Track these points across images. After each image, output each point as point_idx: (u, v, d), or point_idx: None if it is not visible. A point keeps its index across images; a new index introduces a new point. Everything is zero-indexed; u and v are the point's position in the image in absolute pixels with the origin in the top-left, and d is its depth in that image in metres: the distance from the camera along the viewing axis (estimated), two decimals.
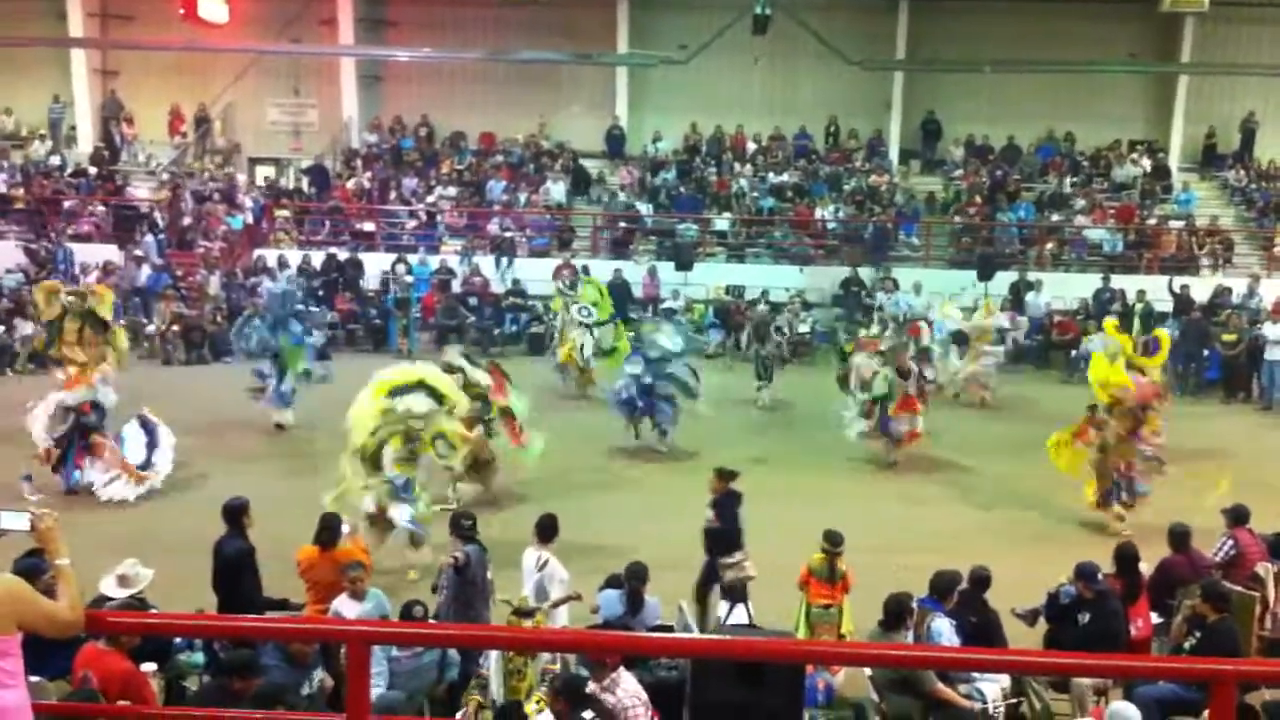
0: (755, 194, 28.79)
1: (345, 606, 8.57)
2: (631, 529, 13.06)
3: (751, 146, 30.66)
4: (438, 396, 12.01)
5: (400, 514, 11.54)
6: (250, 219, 27.72)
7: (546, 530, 9.61)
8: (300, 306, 19.11)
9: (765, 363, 20.17)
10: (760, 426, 18.72)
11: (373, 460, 11.78)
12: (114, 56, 31.10)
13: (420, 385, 12.00)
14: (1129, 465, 13.69)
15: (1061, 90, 29.92)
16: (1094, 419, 13.84)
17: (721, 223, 28.29)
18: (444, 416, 12.09)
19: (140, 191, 28.15)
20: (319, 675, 7.88)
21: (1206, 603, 8.58)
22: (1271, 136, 29.97)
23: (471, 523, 9.55)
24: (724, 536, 10.11)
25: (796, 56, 28.30)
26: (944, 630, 8.53)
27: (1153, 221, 28.07)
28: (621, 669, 7.25)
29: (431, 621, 8.40)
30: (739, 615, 9.28)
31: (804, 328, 24.22)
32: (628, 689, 7.18)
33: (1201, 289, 24.77)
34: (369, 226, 27.92)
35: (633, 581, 9.00)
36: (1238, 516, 10.59)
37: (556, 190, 28.70)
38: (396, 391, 11.88)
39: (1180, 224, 27.78)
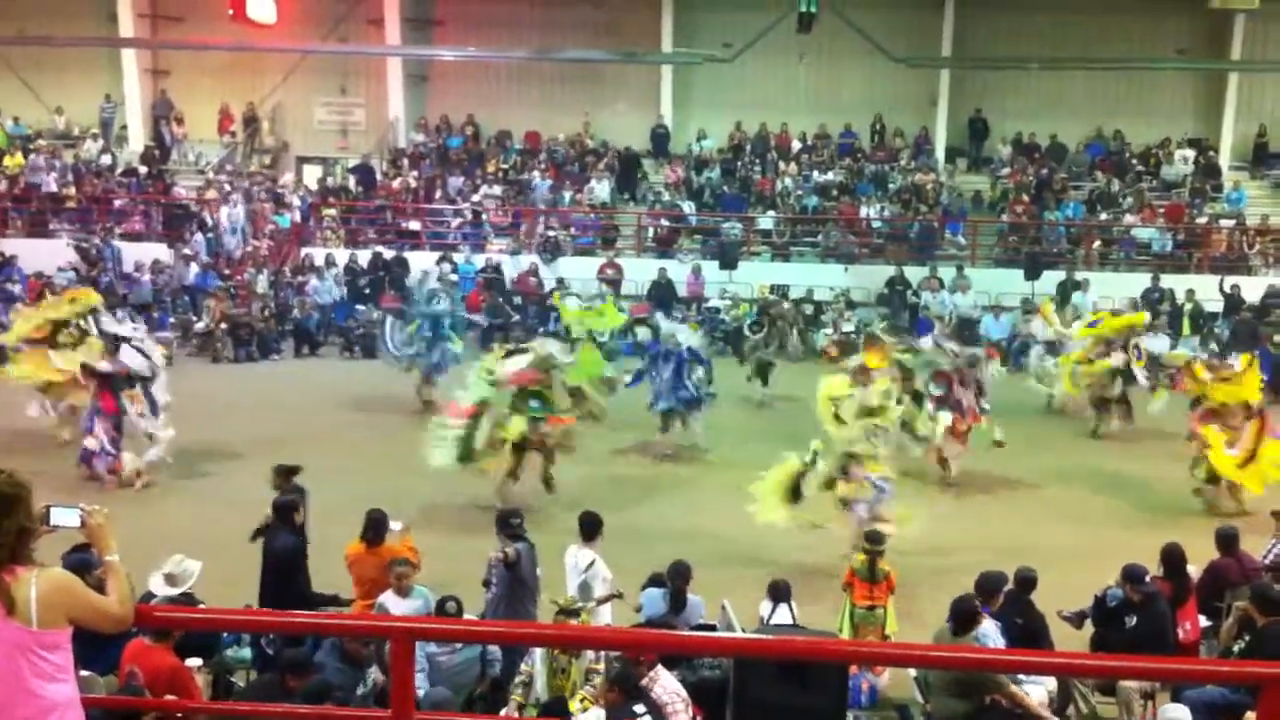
0: (800, 192, 28.72)
1: (391, 603, 8.63)
2: (675, 527, 13.09)
3: (796, 145, 30.56)
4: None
5: None
6: (298, 218, 27.98)
7: (591, 528, 9.64)
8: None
9: (763, 364, 20.13)
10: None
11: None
12: (164, 56, 31.45)
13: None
14: None
15: (1110, 88, 29.67)
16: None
17: (766, 221, 28.23)
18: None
19: (191, 191, 28.43)
20: (374, 674, 7.94)
21: (1255, 605, 8.48)
22: None
23: (520, 520, 9.60)
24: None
25: (842, 54, 28.18)
26: (990, 632, 8.47)
27: (1202, 220, 27.75)
28: (659, 667, 7.27)
29: (475, 618, 8.46)
30: (782, 615, 9.26)
31: (849, 326, 24.14)
32: (666, 686, 7.21)
33: (1252, 289, 24.49)
34: (415, 225, 28.09)
35: (676, 580, 9.02)
36: None
37: (601, 189, 28.74)
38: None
39: (1231, 223, 27.46)
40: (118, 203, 27.64)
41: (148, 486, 14.30)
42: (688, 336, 17.34)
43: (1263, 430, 14.21)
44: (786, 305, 23.52)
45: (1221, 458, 14.20)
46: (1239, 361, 15.44)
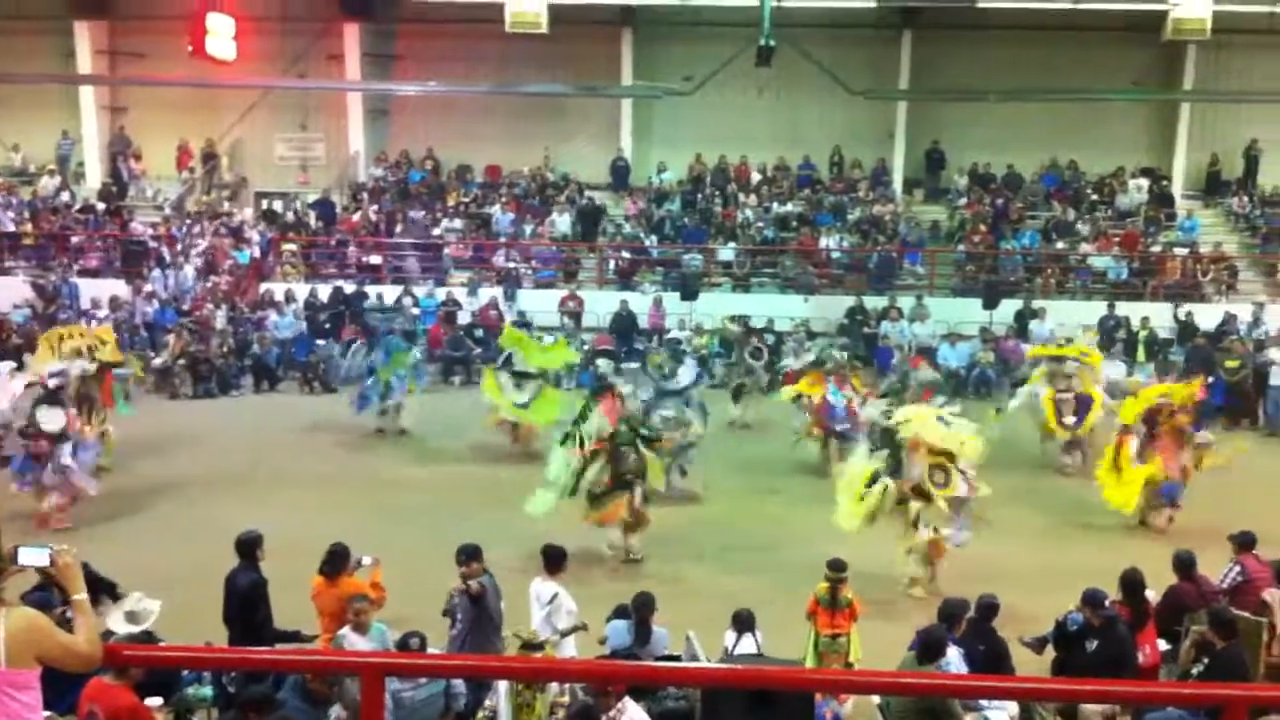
0: (760, 224, 28.89)
1: (350, 640, 8.58)
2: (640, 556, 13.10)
3: (756, 177, 30.77)
4: None
5: None
6: (257, 253, 27.86)
7: (554, 561, 9.63)
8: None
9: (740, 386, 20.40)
10: (765, 456, 18.66)
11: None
12: (122, 93, 31.36)
13: None
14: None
15: (1065, 118, 30.02)
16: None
17: (726, 253, 28.37)
18: None
19: (149, 227, 28.28)
20: (336, 712, 7.89)
21: (1214, 629, 8.60)
22: (1275, 163, 29.98)
23: (482, 553, 9.56)
24: None
25: (800, 87, 28.42)
26: (953, 659, 8.52)
27: (1157, 249, 28.11)
28: (627, 699, 7.26)
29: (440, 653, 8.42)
30: (747, 645, 9.27)
31: (809, 356, 24.20)
32: (634, 718, 7.19)
33: (1206, 316, 24.80)
34: (375, 259, 28.04)
35: (641, 611, 9.02)
36: (1244, 542, 10.60)
37: (562, 222, 28.81)
38: None
39: (1184, 251, 27.85)
40: (75, 239, 27.46)
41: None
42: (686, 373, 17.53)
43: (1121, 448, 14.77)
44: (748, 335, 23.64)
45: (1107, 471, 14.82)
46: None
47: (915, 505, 12.18)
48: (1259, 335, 23.66)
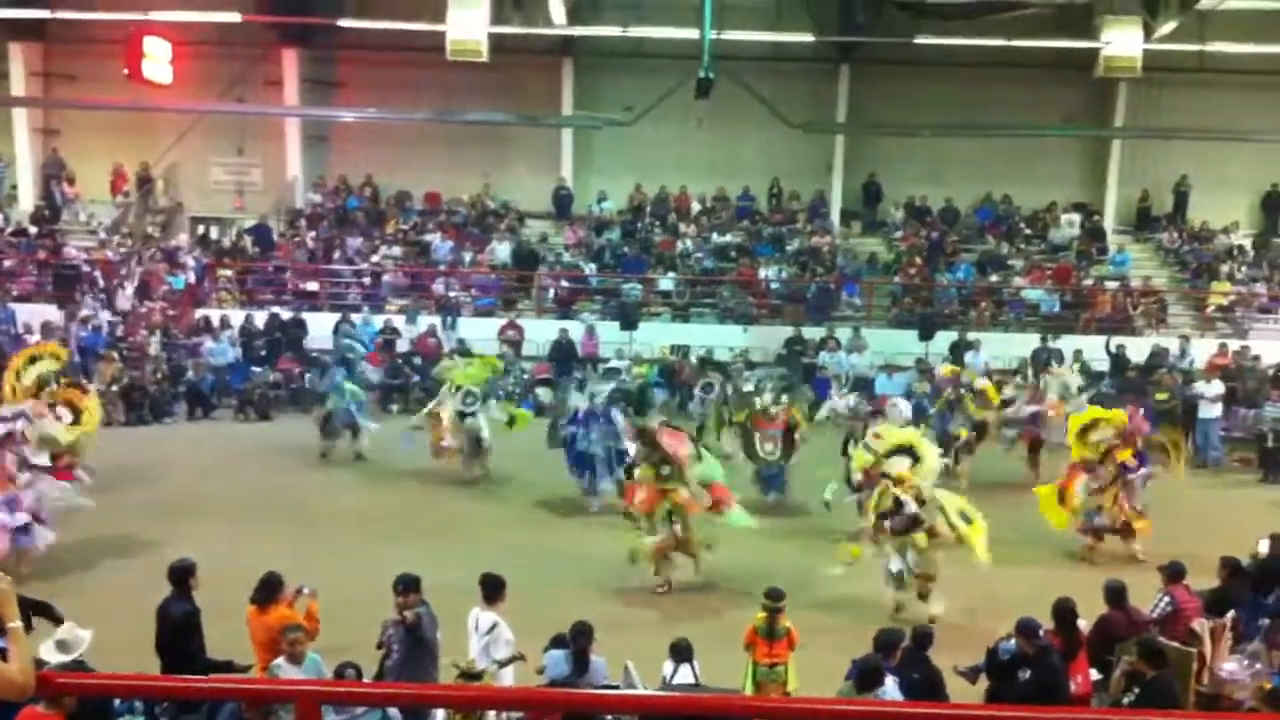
0: (699, 254, 29.04)
1: (284, 669, 8.49)
2: (574, 588, 13.06)
3: (696, 207, 30.93)
4: None
5: None
6: (192, 278, 27.55)
7: (492, 589, 9.57)
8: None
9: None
10: None
11: None
12: (57, 115, 30.92)
13: None
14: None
15: (999, 154, 30.44)
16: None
17: (666, 282, 28.46)
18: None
19: (82, 251, 27.90)
20: None
21: (1144, 659, 8.71)
22: (1203, 199, 30.62)
23: (419, 584, 9.48)
24: None
25: (740, 119, 28.62)
26: (889, 688, 8.58)
27: (1088, 282, 28.57)
28: None
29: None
30: (685, 675, 9.27)
31: (748, 386, 24.30)
32: None
33: (1137, 349, 25.22)
34: (313, 286, 27.83)
35: (578, 641, 8.98)
36: (1174, 573, 10.75)
37: (502, 250, 28.77)
38: None
39: (1115, 285, 28.33)
40: (7, 263, 27.02)
41: None
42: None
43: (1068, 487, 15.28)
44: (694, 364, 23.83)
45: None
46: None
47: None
48: (1185, 367, 24.11)
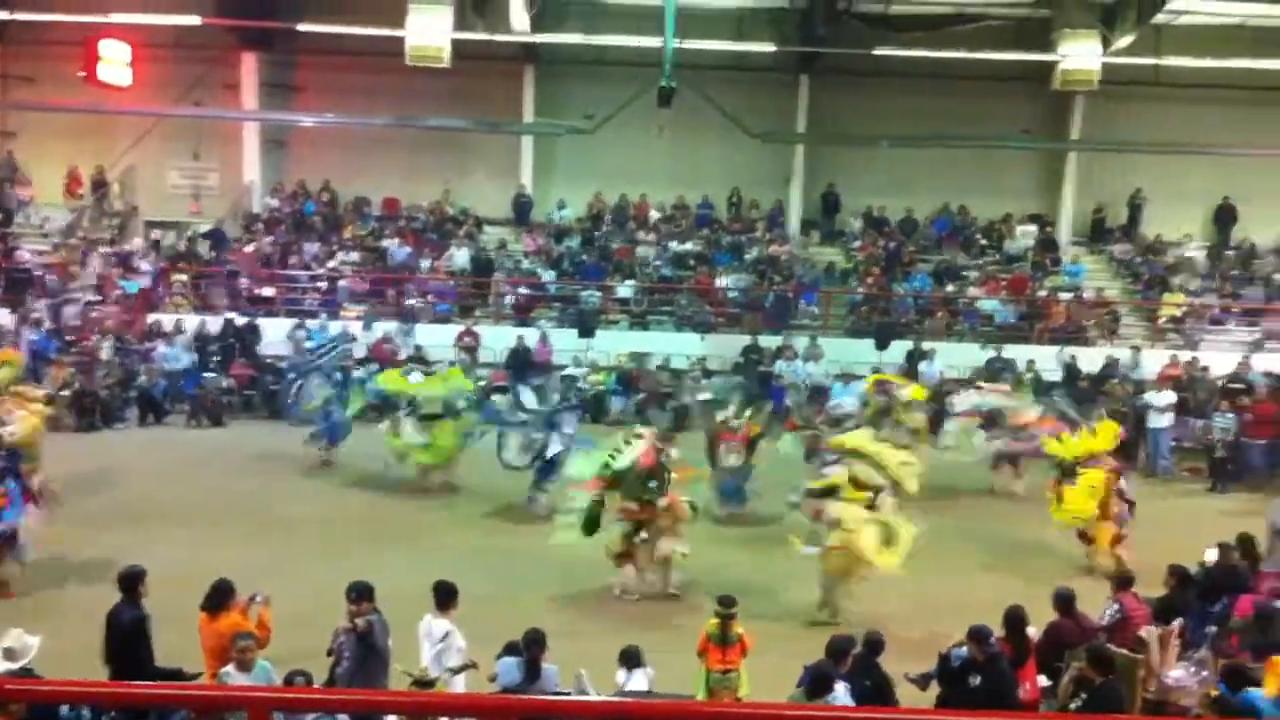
0: (658, 262, 29.09)
1: (233, 677, 8.44)
2: (525, 596, 13.05)
3: (655, 215, 30.96)
4: None
5: None
6: (146, 283, 27.31)
7: (445, 597, 9.55)
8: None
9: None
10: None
11: None
12: (13, 117, 30.63)
13: None
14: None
15: (956, 165, 30.63)
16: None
17: (625, 290, 28.49)
18: None
19: (35, 255, 27.61)
20: None
21: (1092, 666, 8.80)
22: (1157, 212, 30.96)
23: (372, 592, 9.44)
24: None
25: (700, 128, 28.68)
26: (840, 694, 8.63)
27: (1043, 293, 28.82)
28: None
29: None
30: (638, 681, 9.28)
31: (705, 395, 24.38)
32: None
33: (1090, 359, 25.45)
34: (269, 291, 27.66)
35: (531, 649, 8.97)
36: (1123, 581, 10.89)
37: (460, 256, 28.70)
38: None
39: (1069, 296, 28.59)
40: None
41: None
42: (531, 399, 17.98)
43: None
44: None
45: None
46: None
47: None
48: (1137, 378, 24.38)
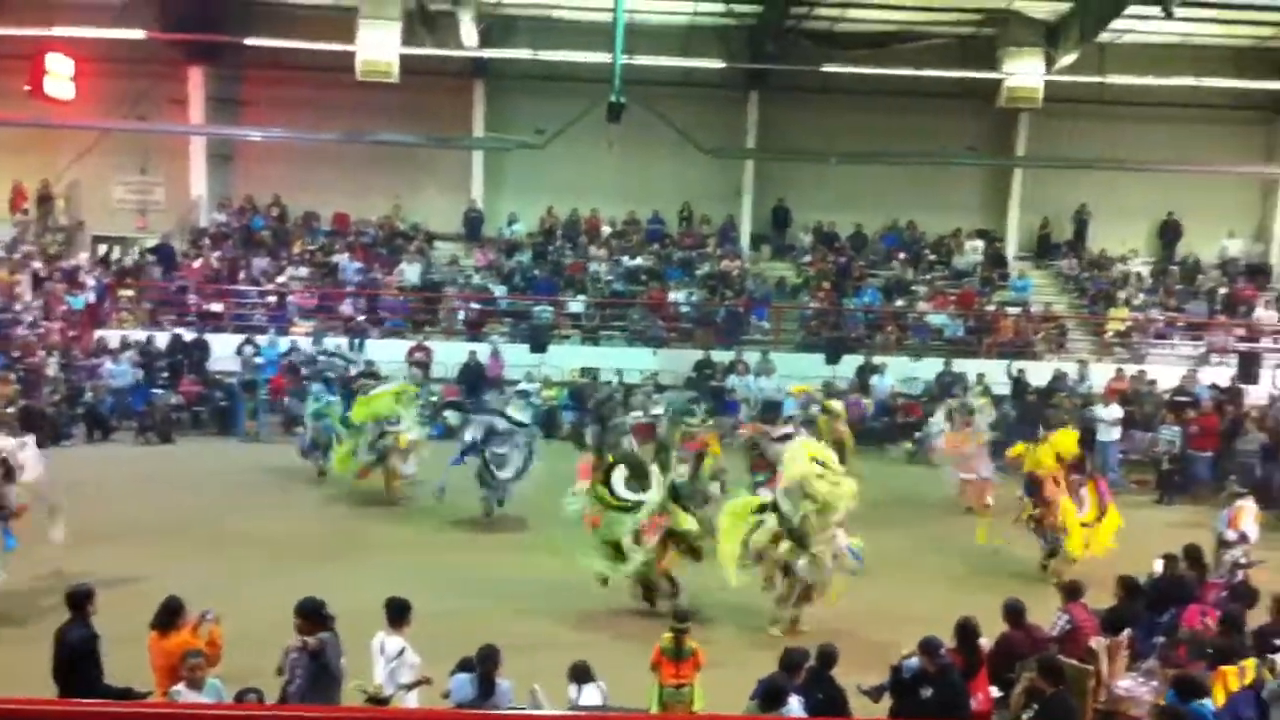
0: (610, 277, 29.11)
1: (183, 696, 8.33)
2: (479, 612, 12.99)
3: (606, 230, 31.01)
4: None
5: None
6: (92, 298, 26.98)
7: (398, 614, 9.48)
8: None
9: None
10: None
11: None
12: None
13: None
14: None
15: (905, 181, 30.93)
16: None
17: (576, 305, 28.49)
18: None
19: None
20: None
21: (1043, 676, 8.87)
22: (1102, 227, 31.47)
23: (325, 609, 9.35)
24: None
25: (650, 143, 28.75)
26: (794, 707, 8.65)
27: (991, 307, 29.10)
28: None
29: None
30: (590, 697, 9.26)
31: (658, 410, 24.35)
32: None
33: (1038, 373, 25.71)
34: (217, 307, 27.42)
35: (485, 665, 8.92)
36: (1072, 592, 10.98)
37: (411, 272, 28.58)
38: None
39: (1017, 310, 28.88)
40: None
41: None
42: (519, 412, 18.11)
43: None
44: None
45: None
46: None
47: (785, 546, 12.61)
48: (1084, 391, 24.66)
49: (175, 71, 29.33)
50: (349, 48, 26.38)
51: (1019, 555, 15.92)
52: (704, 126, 28.68)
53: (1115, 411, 22.35)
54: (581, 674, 9.31)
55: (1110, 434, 22.00)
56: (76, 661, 8.81)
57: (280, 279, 28.34)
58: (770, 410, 23.33)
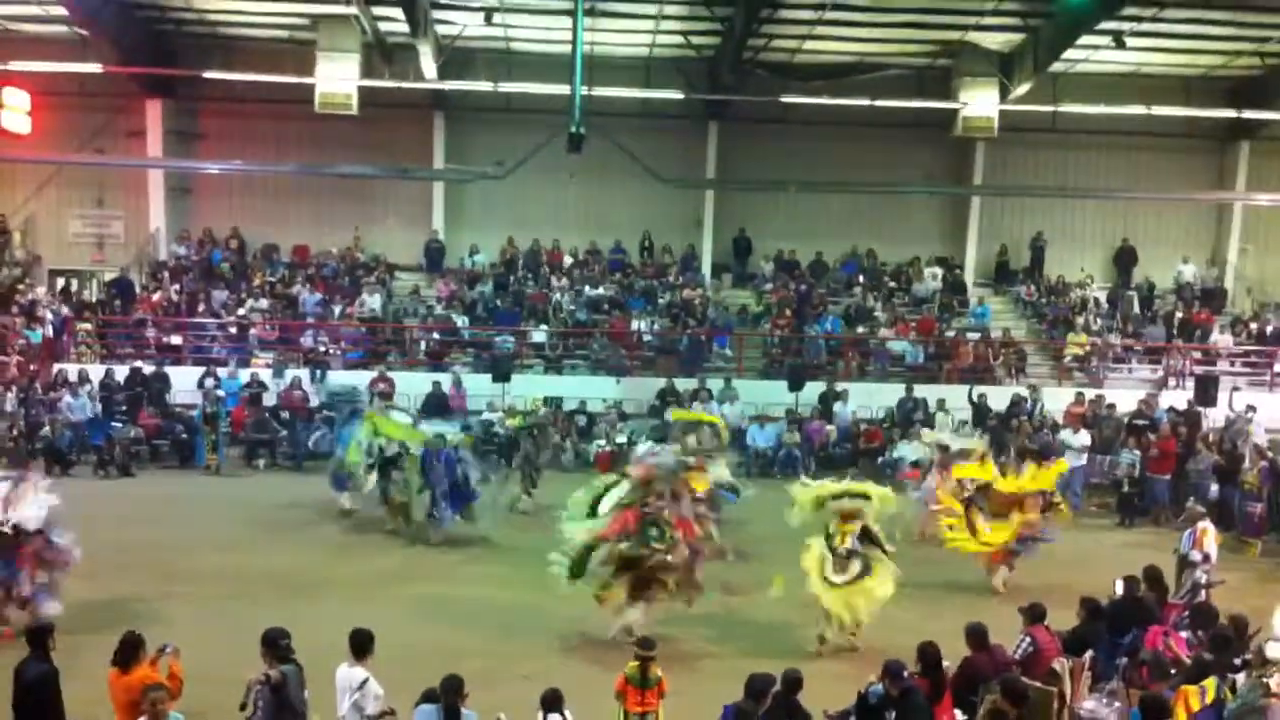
0: (572, 307, 29.14)
1: None
2: (447, 642, 12.92)
3: (568, 260, 31.07)
4: None
5: None
6: (50, 332, 26.73)
7: (361, 645, 9.41)
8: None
9: (535, 469, 20.85)
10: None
11: None
12: None
13: None
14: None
15: (864, 210, 31.29)
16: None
17: (539, 335, 28.48)
18: None
19: None
20: None
21: (1006, 699, 8.89)
22: (1059, 254, 31.88)
23: (288, 641, 9.28)
24: None
25: (611, 174, 28.92)
26: None
27: (951, 334, 29.31)
28: None
29: None
30: None
31: (621, 438, 24.39)
32: None
33: (998, 397, 25.88)
34: (176, 340, 27.23)
35: (449, 696, 8.87)
36: (1035, 615, 11.02)
37: (372, 302, 28.50)
38: None
39: (976, 336, 29.10)
40: None
41: None
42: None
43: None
44: (545, 413, 23.66)
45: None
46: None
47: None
48: (1036, 415, 24.84)
49: (133, 105, 29.23)
50: (308, 80, 26.37)
51: (980, 579, 16.03)
52: (664, 157, 28.83)
53: (1084, 438, 22.62)
54: (550, 702, 9.27)
55: (1079, 460, 22.14)
56: (36, 697, 8.70)
57: (241, 311, 28.18)
58: (734, 439, 23.07)
